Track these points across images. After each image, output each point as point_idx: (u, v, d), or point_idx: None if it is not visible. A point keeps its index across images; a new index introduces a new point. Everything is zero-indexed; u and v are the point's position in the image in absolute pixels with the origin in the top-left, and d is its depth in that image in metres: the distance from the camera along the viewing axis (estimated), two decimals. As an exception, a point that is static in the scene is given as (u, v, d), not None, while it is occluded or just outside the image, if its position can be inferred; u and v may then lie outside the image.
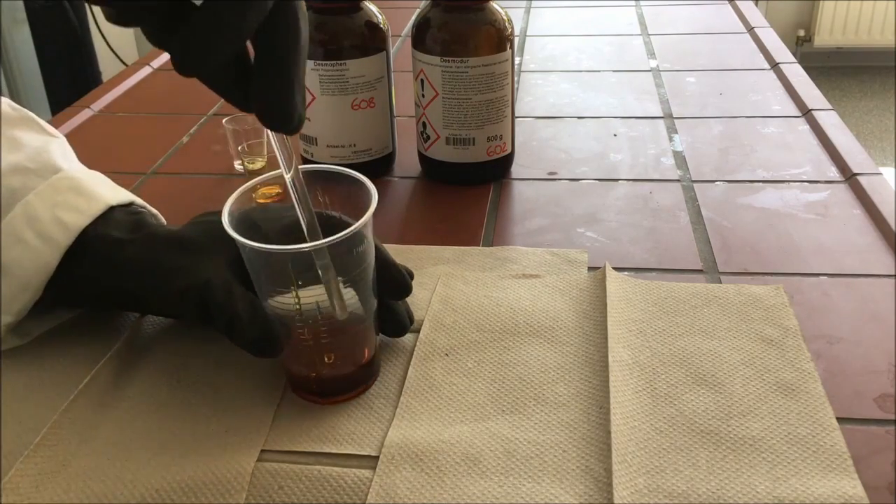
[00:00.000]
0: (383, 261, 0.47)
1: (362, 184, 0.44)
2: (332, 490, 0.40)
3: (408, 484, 0.40)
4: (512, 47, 0.68)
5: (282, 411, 0.45)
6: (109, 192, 0.51)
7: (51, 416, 0.44)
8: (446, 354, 0.49)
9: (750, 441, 0.42)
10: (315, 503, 0.40)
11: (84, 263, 0.48)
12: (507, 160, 0.72)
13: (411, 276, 0.49)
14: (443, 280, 0.56)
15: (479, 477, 0.40)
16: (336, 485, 0.40)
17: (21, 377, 0.48)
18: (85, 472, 0.41)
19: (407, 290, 0.48)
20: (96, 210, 0.49)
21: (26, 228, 0.47)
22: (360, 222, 0.41)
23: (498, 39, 0.67)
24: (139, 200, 0.54)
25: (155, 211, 0.56)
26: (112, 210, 0.50)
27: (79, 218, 0.48)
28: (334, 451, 0.42)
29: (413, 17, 0.70)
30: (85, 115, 0.89)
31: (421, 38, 0.68)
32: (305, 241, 0.41)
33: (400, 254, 0.60)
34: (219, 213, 0.42)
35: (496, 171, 0.72)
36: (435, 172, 0.73)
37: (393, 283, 0.47)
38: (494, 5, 0.68)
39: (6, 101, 0.53)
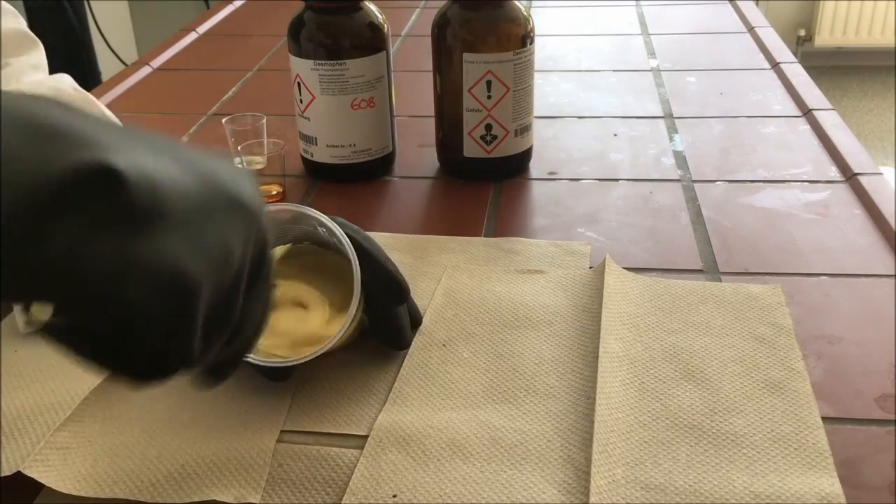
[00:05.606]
0: (380, 269, 0.47)
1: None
2: (329, 468, 0.41)
3: (392, 466, 0.41)
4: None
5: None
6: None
7: (80, 394, 0.45)
8: (444, 345, 0.50)
9: (732, 437, 0.42)
10: (313, 480, 0.41)
11: None
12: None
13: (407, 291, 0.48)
14: (448, 273, 0.56)
15: (461, 461, 0.41)
16: (333, 463, 0.41)
17: (54, 356, 0.48)
18: (111, 449, 0.42)
19: (405, 293, 0.48)
20: None
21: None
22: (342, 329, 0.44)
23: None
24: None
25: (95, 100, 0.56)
26: None
27: None
28: (332, 431, 0.44)
29: (434, 17, 0.69)
30: (85, 114, 0.89)
31: (482, 37, 0.67)
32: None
33: (405, 242, 0.60)
34: None
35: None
36: (498, 171, 0.72)
37: (390, 288, 0.47)
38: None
39: (69, 80, 0.54)
